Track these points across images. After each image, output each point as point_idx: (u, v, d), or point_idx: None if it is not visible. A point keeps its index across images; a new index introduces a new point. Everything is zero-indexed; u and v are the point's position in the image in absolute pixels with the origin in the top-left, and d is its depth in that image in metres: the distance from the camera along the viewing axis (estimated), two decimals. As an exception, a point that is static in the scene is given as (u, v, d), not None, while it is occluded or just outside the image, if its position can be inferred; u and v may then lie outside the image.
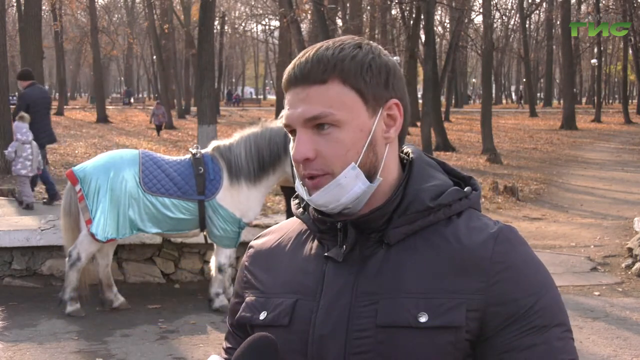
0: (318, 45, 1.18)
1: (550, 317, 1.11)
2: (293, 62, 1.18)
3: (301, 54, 1.19)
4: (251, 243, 1.36)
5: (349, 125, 1.14)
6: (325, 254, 1.19)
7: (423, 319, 1.09)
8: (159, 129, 26.03)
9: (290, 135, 1.20)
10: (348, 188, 1.14)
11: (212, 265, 6.07)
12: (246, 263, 1.33)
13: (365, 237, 1.17)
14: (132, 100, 53.80)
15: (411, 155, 1.24)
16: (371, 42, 1.20)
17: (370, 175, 1.16)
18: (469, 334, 1.10)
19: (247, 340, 1.13)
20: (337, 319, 1.14)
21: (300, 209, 1.28)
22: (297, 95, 1.16)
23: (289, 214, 6.55)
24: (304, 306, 1.18)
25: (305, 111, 1.14)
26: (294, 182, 4.98)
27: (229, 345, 1.33)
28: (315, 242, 1.24)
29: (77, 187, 5.65)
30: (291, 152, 1.19)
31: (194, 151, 5.94)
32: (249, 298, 1.28)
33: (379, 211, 1.16)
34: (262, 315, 1.22)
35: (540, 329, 1.09)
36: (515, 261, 1.12)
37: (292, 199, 1.33)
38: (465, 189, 1.21)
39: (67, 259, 5.80)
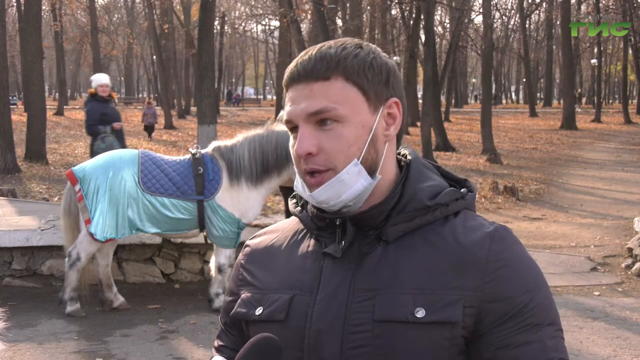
0: (319, 45, 1.20)
1: (543, 315, 1.13)
2: (295, 60, 1.20)
3: (303, 53, 1.21)
4: (247, 242, 1.37)
5: (352, 121, 1.16)
6: (324, 250, 1.20)
7: (420, 314, 1.11)
8: (148, 130, 23.40)
9: (290, 132, 1.21)
10: (350, 184, 1.15)
11: (212, 265, 6.07)
12: (242, 261, 1.34)
13: (363, 234, 1.19)
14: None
15: (408, 157, 1.26)
16: (370, 43, 1.23)
17: (371, 173, 1.17)
18: (465, 330, 1.12)
19: (250, 341, 1.13)
20: (335, 314, 1.15)
21: (299, 208, 1.29)
22: (300, 91, 1.17)
23: (288, 213, 6.55)
24: (300, 301, 1.19)
25: (309, 106, 1.15)
26: None
27: (221, 344, 1.33)
28: (312, 240, 1.25)
29: (77, 187, 5.65)
30: (291, 149, 1.20)
31: (193, 151, 5.93)
32: (244, 294, 1.28)
33: (378, 208, 1.18)
34: (258, 311, 1.23)
35: (533, 327, 1.12)
36: (511, 260, 1.15)
37: (289, 198, 1.34)
38: (462, 190, 1.23)
39: (66, 259, 5.80)
